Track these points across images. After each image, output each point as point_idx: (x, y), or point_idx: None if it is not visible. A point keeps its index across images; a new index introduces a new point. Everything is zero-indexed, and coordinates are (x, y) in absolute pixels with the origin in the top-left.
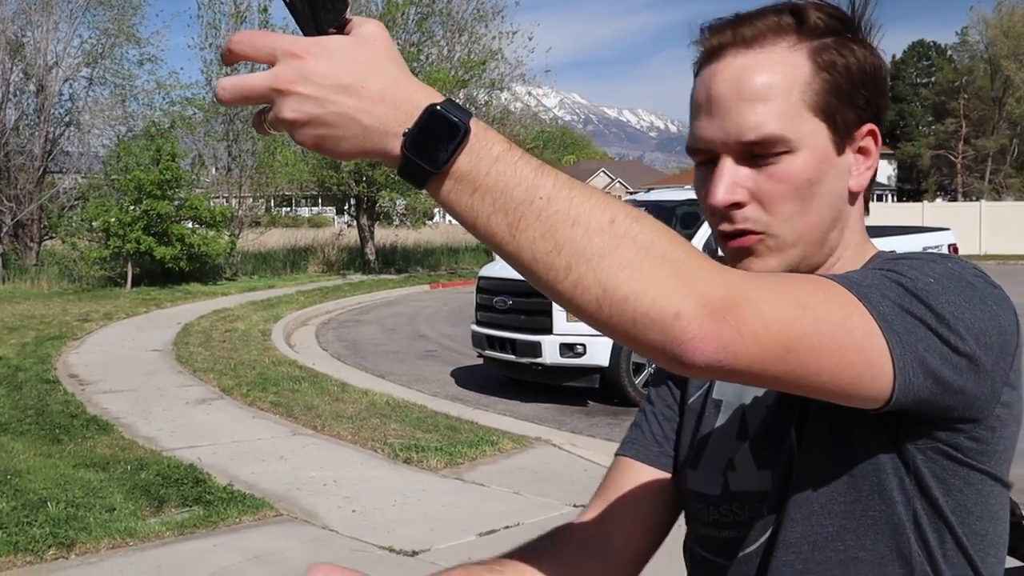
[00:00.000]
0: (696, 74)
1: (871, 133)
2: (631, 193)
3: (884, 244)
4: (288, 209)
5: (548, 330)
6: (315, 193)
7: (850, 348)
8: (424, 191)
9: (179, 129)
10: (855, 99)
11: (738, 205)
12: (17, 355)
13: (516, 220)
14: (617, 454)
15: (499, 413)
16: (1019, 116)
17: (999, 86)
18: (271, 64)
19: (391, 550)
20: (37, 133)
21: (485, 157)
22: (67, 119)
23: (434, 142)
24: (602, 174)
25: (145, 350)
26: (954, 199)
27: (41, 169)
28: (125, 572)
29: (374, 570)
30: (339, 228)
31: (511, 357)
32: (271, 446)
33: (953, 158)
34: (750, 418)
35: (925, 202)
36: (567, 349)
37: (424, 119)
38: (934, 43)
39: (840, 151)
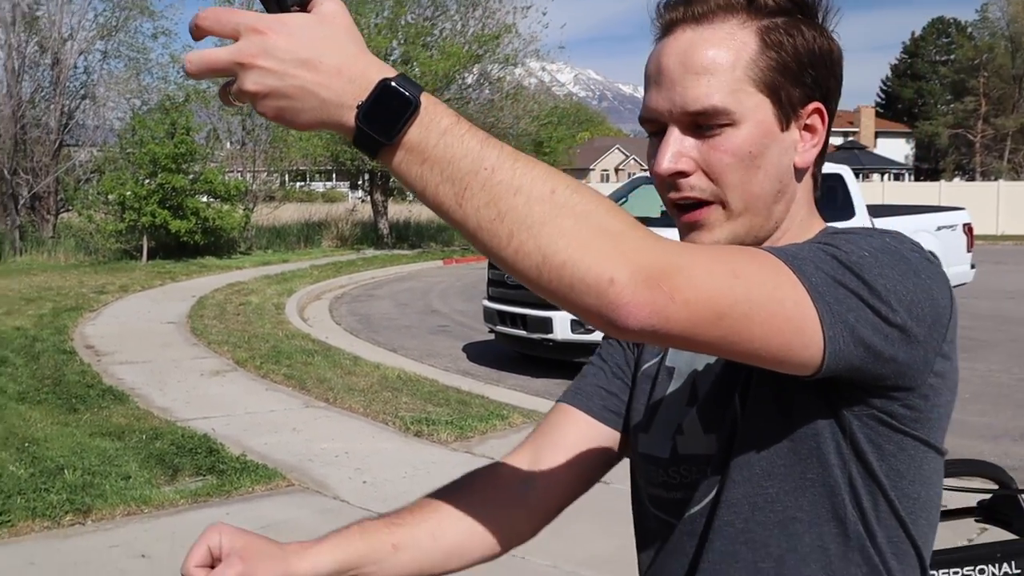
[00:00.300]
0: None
1: (817, 111)
2: (645, 170)
3: (898, 224)
4: (302, 184)
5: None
6: (329, 168)
7: (780, 316)
8: (377, 161)
9: (194, 103)
10: (802, 78)
11: (683, 174)
12: (34, 326)
13: (462, 189)
14: (559, 401)
15: (510, 388)
16: None
17: (1020, 64)
18: (235, 39)
19: None
20: (53, 106)
21: (434, 129)
22: (82, 92)
23: (386, 115)
24: (617, 151)
25: (160, 322)
26: (972, 179)
27: (57, 142)
28: (140, 538)
29: None
30: (353, 203)
31: (522, 332)
32: (284, 418)
33: (972, 137)
34: (700, 385)
35: (942, 181)
36: (578, 325)
37: (377, 93)
38: (954, 20)
39: (784, 127)
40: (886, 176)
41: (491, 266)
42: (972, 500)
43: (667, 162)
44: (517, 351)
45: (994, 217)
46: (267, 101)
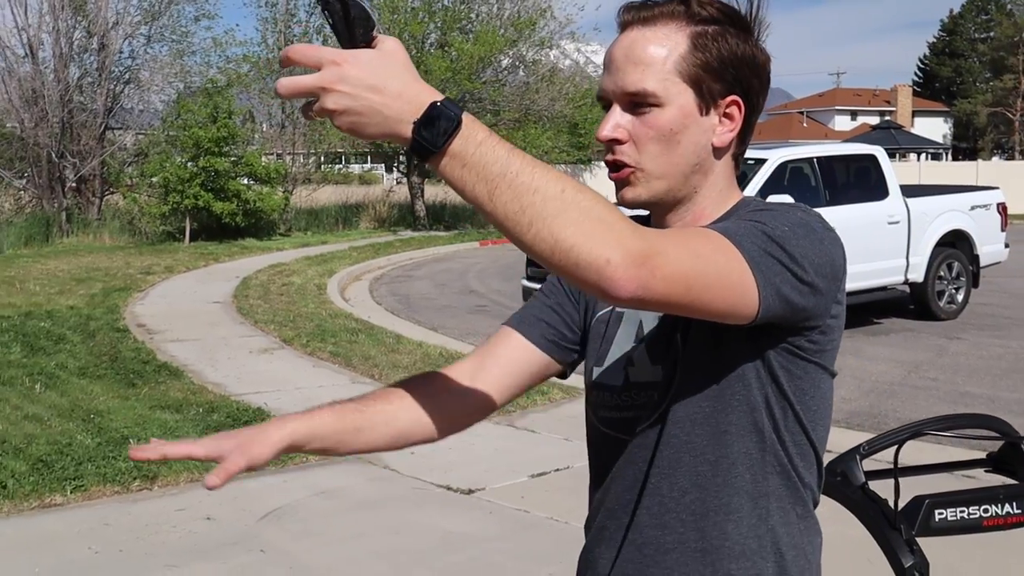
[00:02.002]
0: None
1: (735, 103)
2: None
3: (932, 203)
4: (340, 166)
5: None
6: (366, 150)
7: (729, 285)
8: (426, 165)
9: (235, 87)
10: (723, 75)
11: (618, 141)
12: (87, 305)
13: (493, 188)
14: (504, 324)
15: None
16: None
17: None
18: (317, 69)
19: (449, 488)
20: (99, 90)
21: (472, 141)
22: (127, 76)
23: (435, 129)
24: None
25: (207, 302)
26: (1011, 158)
27: (103, 126)
28: (204, 502)
29: (433, 505)
30: (389, 185)
31: None
32: (332, 393)
33: (1011, 115)
34: (646, 325)
35: (980, 161)
36: None
37: (428, 112)
38: None
39: (704, 112)
40: (923, 156)
41: None
42: (982, 453)
43: (606, 131)
44: None
45: None
46: (342, 117)
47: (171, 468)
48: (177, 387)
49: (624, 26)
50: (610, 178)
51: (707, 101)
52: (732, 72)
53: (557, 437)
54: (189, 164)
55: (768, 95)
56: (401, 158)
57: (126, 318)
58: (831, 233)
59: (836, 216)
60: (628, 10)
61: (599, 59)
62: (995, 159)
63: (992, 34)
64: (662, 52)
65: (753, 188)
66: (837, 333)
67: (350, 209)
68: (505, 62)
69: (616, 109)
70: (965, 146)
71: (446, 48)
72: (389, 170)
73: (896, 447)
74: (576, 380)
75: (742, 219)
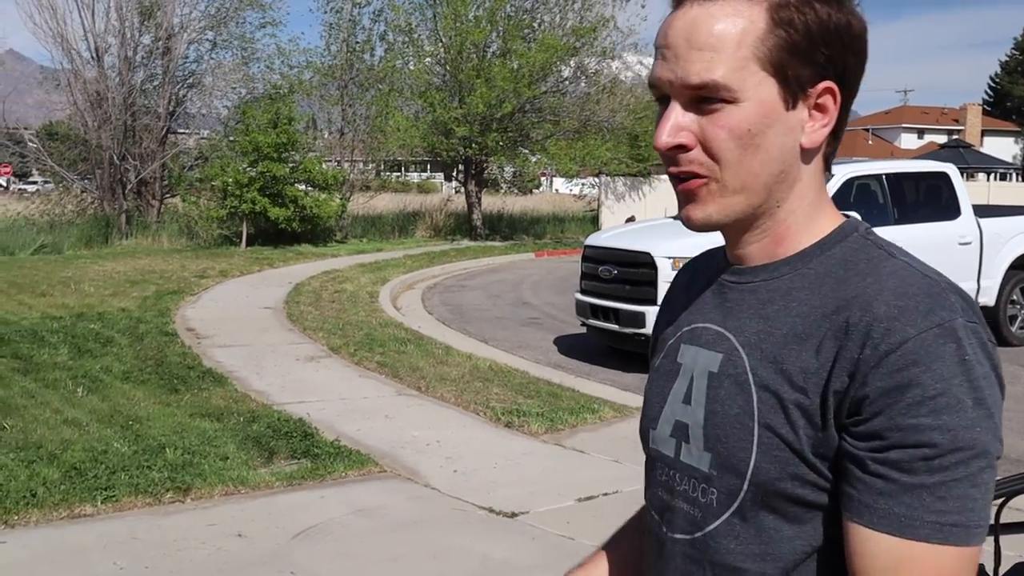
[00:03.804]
0: None
1: (829, 91)
2: None
3: (1003, 224)
4: (398, 174)
5: (652, 301)
6: (425, 159)
7: None
8: None
9: (297, 93)
10: (813, 56)
11: (683, 148)
12: (138, 308)
13: None
14: None
15: (600, 382)
16: None
17: None
18: None
19: (491, 511)
20: (162, 94)
21: None
22: (190, 81)
23: None
24: None
25: (258, 307)
26: None
27: (165, 129)
28: (237, 518)
29: (475, 528)
30: (447, 194)
31: (614, 327)
32: (376, 405)
33: None
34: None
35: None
36: None
37: None
38: None
39: (790, 106)
40: (992, 176)
41: (584, 259)
42: None
43: (666, 136)
44: (608, 345)
45: None
46: None
47: (205, 480)
48: (220, 394)
49: (679, 1)
50: (677, 191)
51: (794, 92)
52: (824, 51)
53: (607, 459)
54: (248, 169)
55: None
56: (460, 167)
57: (176, 322)
58: (996, 360)
59: (904, 235)
60: None
61: None
62: None
63: None
64: (734, 32)
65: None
66: None
67: (407, 217)
68: (566, 72)
69: (674, 107)
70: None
71: (507, 57)
72: (448, 179)
73: (1001, 501)
74: (627, 398)
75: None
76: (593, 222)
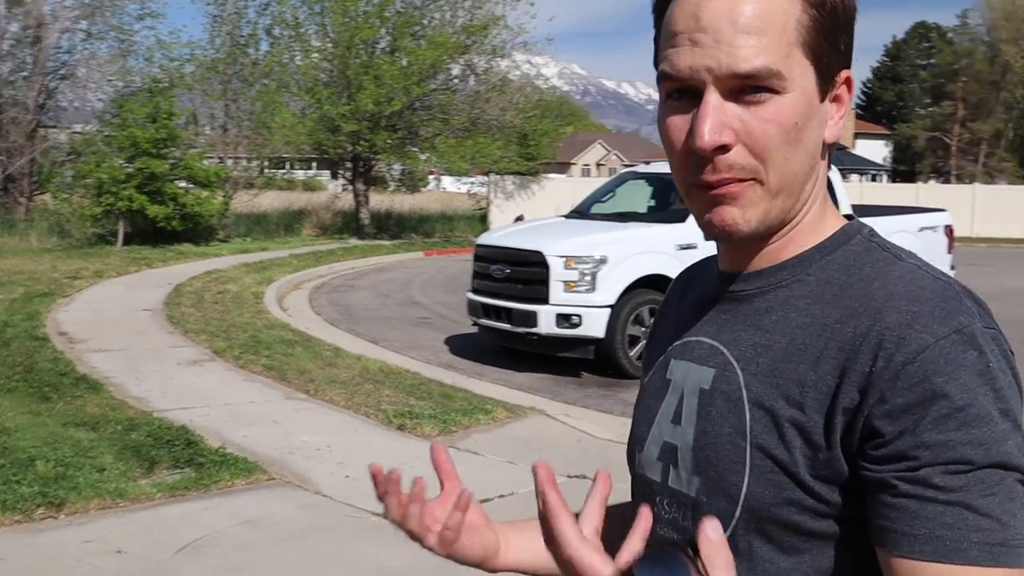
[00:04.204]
0: None
1: (847, 81)
2: (627, 165)
3: (881, 224)
4: (283, 171)
5: (544, 300)
6: (311, 156)
7: None
8: None
9: (177, 88)
10: (838, 42)
11: (724, 148)
12: (5, 311)
13: None
14: None
15: (493, 382)
16: (1016, 101)
17: (998, 70)
18: None
19: (385, 516)
20: (31, 85)
21: None
22: (62, 72)
23: None
24: (599, 145)
25: (136, 310)
26: (947, 181)
27: (34, 122)
28: (115, 533)
29: (369, 535)
30: (334, 192)
31: (506, 326)
32: (264, 409)
33: (948, 140)
34: (701, 410)
35: (920, 183)
36: (563, 319)
37: None
38: (936, 25)
39: (823, 97)
40: (864, 177)
41: (476, 258)
42: None
43: (709, 134)
44: (500, 344)
45: (969, 219)
46: None
47: (80, 494)
48: (95, 402)
49: None
50: (707, 196)
51: (826, 81)
52: (844, 38)
53: (501, 460)
54: (125, 165)
55: None
56: (348, 164)
57: (47, 326)
58: (1013, 362)
59: None
60: None
61: (548, 71)
62: (932, 182)
63: (933, 61)
64: (779, 13)
65: None
66: None
67: (293, 216)
68: (456, 70)
69: (713, 98)
70: (904, 169)
71: (397, 53)
72: (334, 176)
73: None
74: (520, 398)
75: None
76: (482, 220)
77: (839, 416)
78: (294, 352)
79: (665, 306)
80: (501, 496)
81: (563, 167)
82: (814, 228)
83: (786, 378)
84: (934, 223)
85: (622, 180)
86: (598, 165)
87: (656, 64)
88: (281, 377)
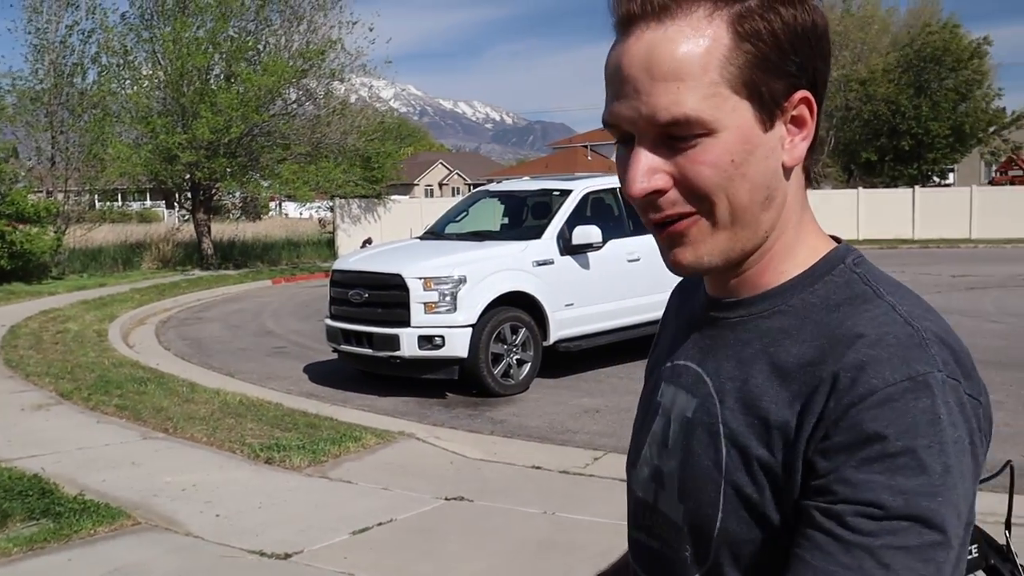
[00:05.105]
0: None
1: (804, 101)
2: (471, 184)
3: None
4: (118, 204)
5: (406, 323)
6: (147, 187)
7: None
8: None
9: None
10: (784, 67)
11: (660, 192)
12: None
13: None
14: None
15: (358, 408)
16: (835, 109)
17: None
18: None
19: (262, 554)
20: None
21: None
22: None
23: None
24: (440, 165)
25: None
26: None
27: None
28: None
29: (246, 575)
30: (174, 223)
31: (368, 351)
32: (121, 452)
33: None
34: (688, 438)
35: None
36: (426, 341)
37: None
38: None
39: (768, 127)
40: None
41: (333, 284)
42: None
43: (639, 183)
44: (361, 370)
45: None
46: None
47: None
48: None
49: (628, 23)
50: (660, 238)
51: (770, 110)
52: (795, 59)
53: (375, 487)
54: None
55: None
56: (187, 194)
57: None
58: (973, 427)
59: (640, 245)
60: None
61: (385, 93)
62: None
63: None
64: (698, 55)
65: (559, 220)
66: None
67: (131, 249)
68: (294, 95)
69: (642, 149)
70: None
71: (232, 80)
72: (170, 207)
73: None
74: (388, 423)
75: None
76: (329, 246)
77: (800, 460)
78: (147, 390)
79: (666, 317)
80: (380, 524)
81: (406, 188)
82: (789, 252)
83: (759, 416)
84: None
85: (475, 199)
86: (441, 185)
87: None
88: (136, 417)
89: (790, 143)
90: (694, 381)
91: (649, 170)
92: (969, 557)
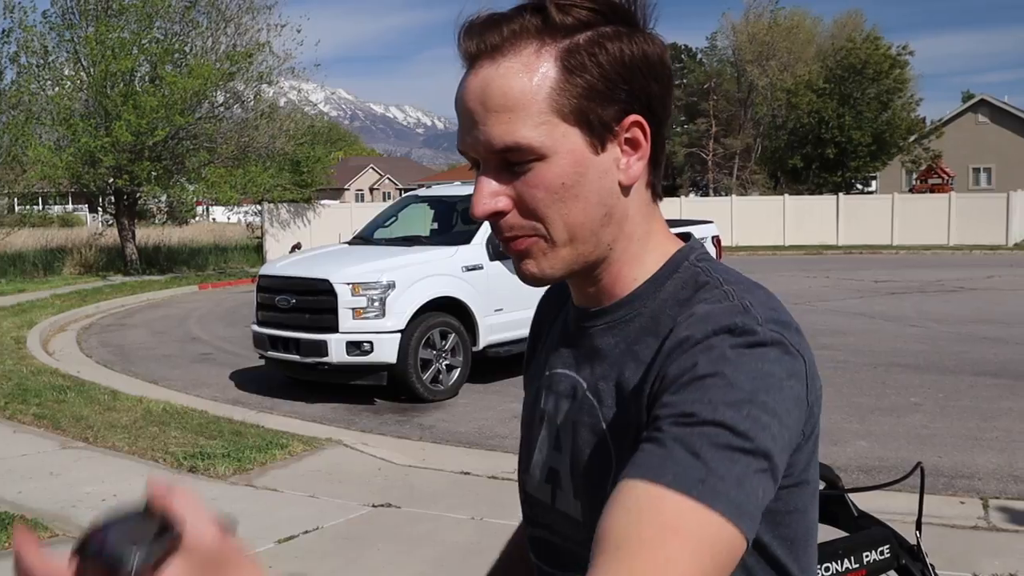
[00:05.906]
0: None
1: (636, 124)
2: (401, 189)
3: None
4: (39, 208)
5: (334, 328)
6: (69, 190)
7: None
8: None
9: None
10: (614, 95)
11: (500, 214)
12: None
13: None
14: None
15: (285, 415)
16: (762, 117)
17: (744, 89)
18: None
19: None
20: None
21: None
22: None
23: None
24: (371, 170)
25: None
26: (706, 194)
27: None
28: None
29: None
30: (97, 227)
31: (295, 357)
32: (38, 462)
33: (705, 156)
34: (573, 440)
35: (682, 197)
36: (354, 347)
37: None
38: (686, 47)
39: (599, 150)
40: None
41: (259, 289)
42: None
43: (480, 206)
44: (289, 376)
45: (728, 230)
46: None
47: None
48: None
49: (471, 60)
50: (509, 252)
51: (600, 135)
52: (624, 87)
53: (301, 495)
54: None
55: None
56: (111, 198)
57: None
58: (797, 383)
59: None
60: (470, 36)
61: (315, 97)
62: (692, 195)
63: (686, 80)
64: (528, 88)
65: (483, 232)
66: (812, 442)
67: (52, 254)
68: (221, 98)
69: (484, 175)
70: (667, 183)
71: (158, 82)
72: (93, 211)
73: None
74: (315, 429)
75: (686, 415)
76: (258, 251)
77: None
78: (67, 398)
79: (536, 326)
80: (306, 532)
81: (336, 193)
82: (637, 261)
83: (635, 412)
84: (703, 234)
85: (404, 204)
86: (371, 190)
87: None
88: (55, 426)
89: (626, 163)
90: (571, 387)
91: (491, 193)
92: (880, 557)
